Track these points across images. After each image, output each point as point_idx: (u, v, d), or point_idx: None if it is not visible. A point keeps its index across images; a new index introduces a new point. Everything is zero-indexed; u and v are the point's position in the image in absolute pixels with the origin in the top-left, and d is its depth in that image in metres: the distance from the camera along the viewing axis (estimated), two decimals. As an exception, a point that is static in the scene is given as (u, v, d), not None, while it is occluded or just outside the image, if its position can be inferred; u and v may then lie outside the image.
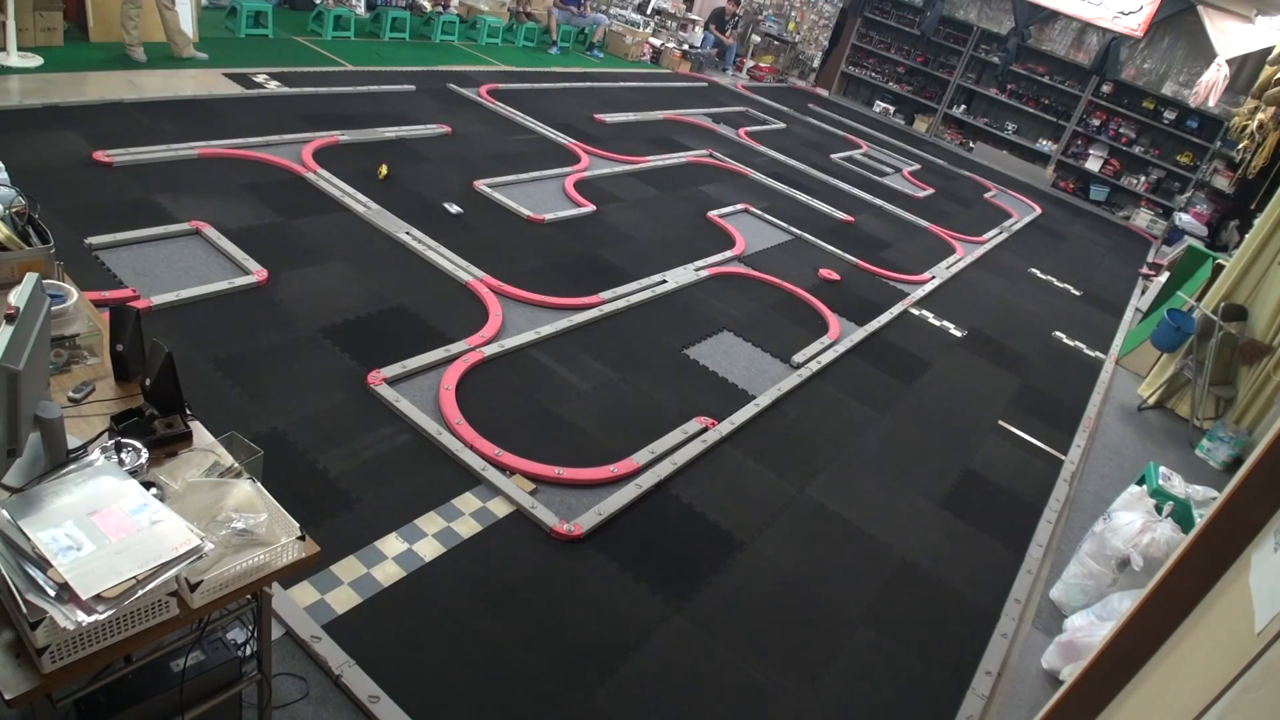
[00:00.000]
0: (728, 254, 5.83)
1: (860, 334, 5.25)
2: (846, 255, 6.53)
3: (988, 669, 2.95)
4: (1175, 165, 11.16)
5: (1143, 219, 11.22)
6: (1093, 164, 11.76)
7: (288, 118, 5.91)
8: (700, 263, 5.56)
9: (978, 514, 3.84)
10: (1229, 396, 5.24)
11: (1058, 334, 6.40)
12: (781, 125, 10.46)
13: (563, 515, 3.03)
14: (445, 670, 2.38)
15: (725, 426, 3.84)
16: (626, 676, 2.52)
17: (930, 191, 9.43)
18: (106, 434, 1.75)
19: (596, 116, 8.25)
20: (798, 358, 4.67)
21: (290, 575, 1.79)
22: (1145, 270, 8.84)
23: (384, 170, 5.37)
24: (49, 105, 5.04)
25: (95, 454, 1.63)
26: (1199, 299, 5.48)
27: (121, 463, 1.64)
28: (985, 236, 8.35)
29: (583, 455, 3.40)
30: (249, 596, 1.66)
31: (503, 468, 3.19)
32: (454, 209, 5.04)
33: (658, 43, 11.95)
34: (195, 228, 4.20)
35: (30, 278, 1.66)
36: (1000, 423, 4.75)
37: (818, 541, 3.36)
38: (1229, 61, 10.12)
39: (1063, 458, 4.56)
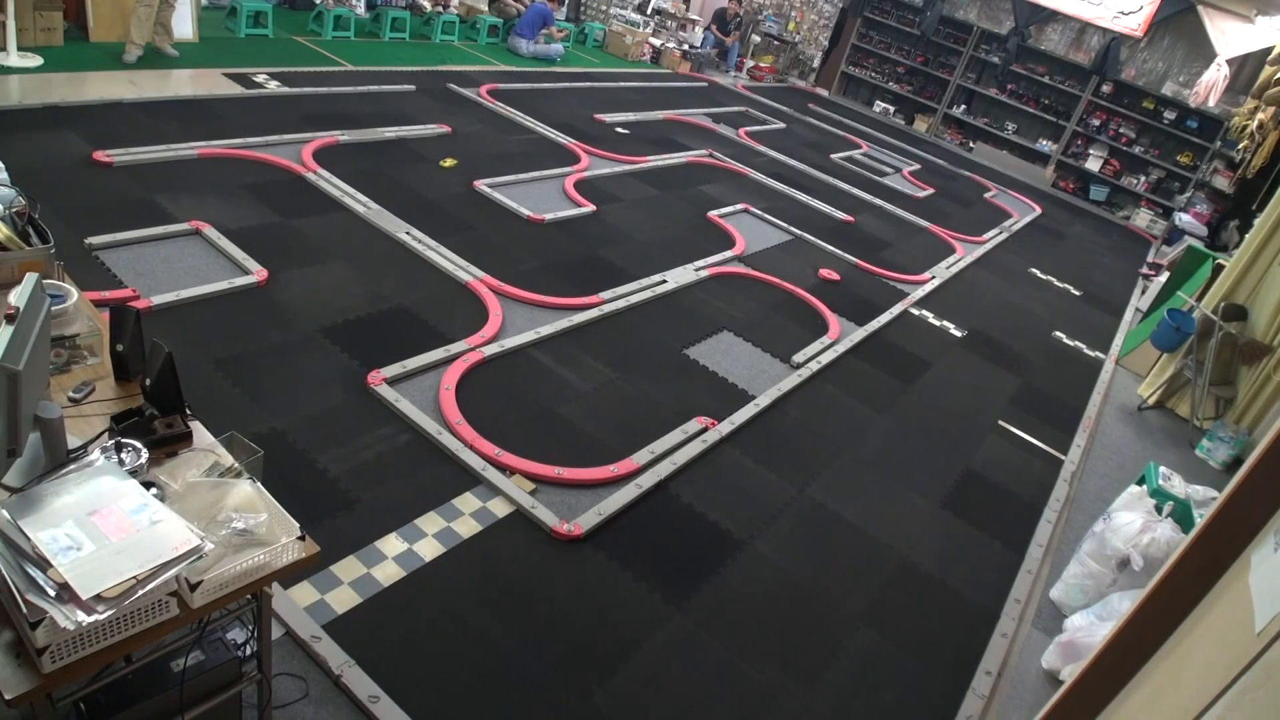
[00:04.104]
0: (728, 254, 5.82)
1: (860, 334, 5.25)
2: (846, 255, 6.53)
3: (988, 669, 2.95)
4: (1175, 165, 11.15)
5: (1143, 219, 11.22)
6: (1093, 164, 11.75)
7: (288, 118, 5.91)
8: (700, 263, 5.56)
9: (978, 514, 3.84)
10: (1229, 396, 5.24)
11: (1058, 334, 6.40)
12: (781, 125, 10.46)
13: (563, 515, 3.03)
14: (445, 670, 2.38)
15: (725, 426, 3.84)
16: (626, 676, 2.52)
17: (930, 191, 9.43)
18: (106, 434, 1.75)
19: (596, 116, 8.25)
20: (798, 358, 4.67)
21: (290, 575, 1.79)
22: (1145, 270, 8.83)
23: (450, 162, 5.17)
24: (49, 105, 5.03)
25: (95, 454, 1.63)
26: (1199, 299, 5.48)
27: (121, 463, 1.64)
28: (985, 236, 8.34)
29: (583, 455, 3.40)
30: (249, 596, 1.66)
31: (503, 468, 3.19)
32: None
33: (658, 43, 11.95)
34: (195, 228, 4.20)
35: (30, 278, 1.66)
36: (1000, 423, 4.75)
37: (818, 541, 3.36)
38: (1229, 61, 10.12)
39: (1063, 458, 4.56)
